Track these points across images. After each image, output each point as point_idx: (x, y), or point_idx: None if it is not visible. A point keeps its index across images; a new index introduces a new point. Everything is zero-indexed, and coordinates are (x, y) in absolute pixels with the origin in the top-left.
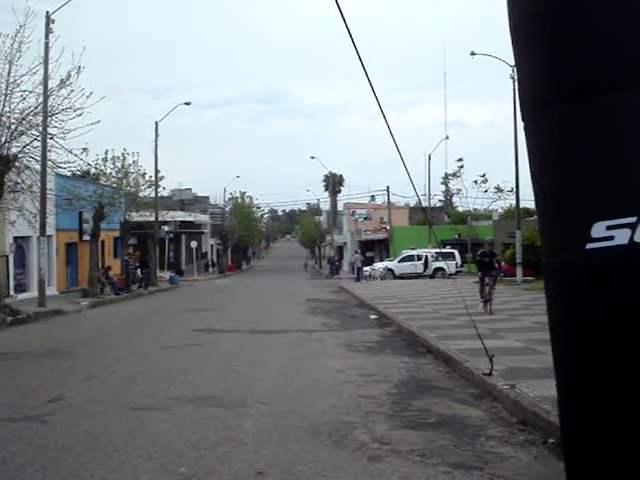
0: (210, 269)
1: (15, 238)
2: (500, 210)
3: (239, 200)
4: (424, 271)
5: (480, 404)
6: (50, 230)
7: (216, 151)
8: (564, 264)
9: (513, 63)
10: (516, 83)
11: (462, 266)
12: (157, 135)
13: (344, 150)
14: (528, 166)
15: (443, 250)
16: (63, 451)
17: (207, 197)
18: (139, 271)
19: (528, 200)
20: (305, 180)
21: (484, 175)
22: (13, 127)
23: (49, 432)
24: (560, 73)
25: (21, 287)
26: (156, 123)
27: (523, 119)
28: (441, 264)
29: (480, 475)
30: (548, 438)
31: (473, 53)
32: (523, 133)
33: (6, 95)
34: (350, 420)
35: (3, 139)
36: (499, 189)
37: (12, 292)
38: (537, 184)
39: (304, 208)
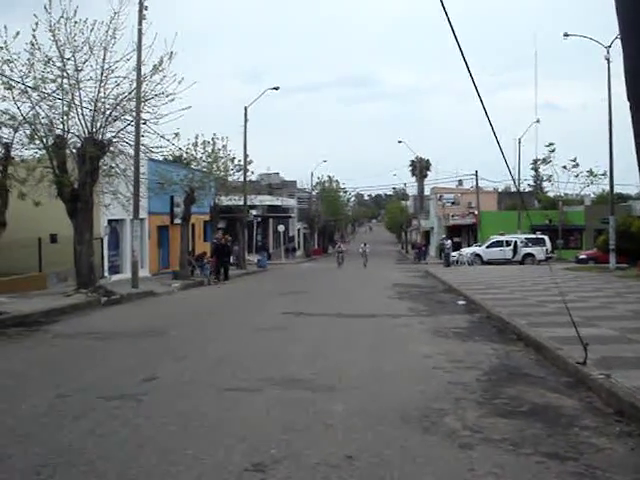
0: (294, 253)
1: (109, 221)
2: (592, 195)
3: (326, 184)
4: (513, 257)
5: (574, 393)
6: (143, 213)
7: (304, 135)
8: None
9: (607, 44)
10: (611, 65)
11: (553, 252)
12: (246, 120)
13: (431, 134)
14: (634, 147)
15: (533, 236)
16: (157, 430)
17: (294, 181)
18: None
19: (622, 185)
20: (392, 164)
21: (575, 159)
22: (108, 112)
23: (144, 411)
24: None
25: (115, 268)
26: (245, 108)
27: (628, 99)
28: (531, 250)
29: (575, 466)
30: None
31: (566, 34)
32: (619, 115)
33: (101, 81)
34: (440, 406)
35: (98, 124)
36: (592, 173)
37: (106, 273)
38: None
39: (390, 193)
